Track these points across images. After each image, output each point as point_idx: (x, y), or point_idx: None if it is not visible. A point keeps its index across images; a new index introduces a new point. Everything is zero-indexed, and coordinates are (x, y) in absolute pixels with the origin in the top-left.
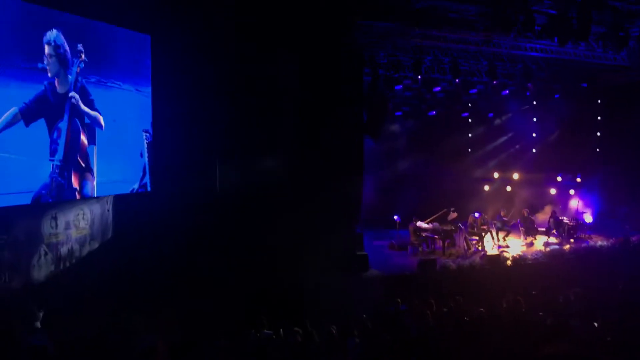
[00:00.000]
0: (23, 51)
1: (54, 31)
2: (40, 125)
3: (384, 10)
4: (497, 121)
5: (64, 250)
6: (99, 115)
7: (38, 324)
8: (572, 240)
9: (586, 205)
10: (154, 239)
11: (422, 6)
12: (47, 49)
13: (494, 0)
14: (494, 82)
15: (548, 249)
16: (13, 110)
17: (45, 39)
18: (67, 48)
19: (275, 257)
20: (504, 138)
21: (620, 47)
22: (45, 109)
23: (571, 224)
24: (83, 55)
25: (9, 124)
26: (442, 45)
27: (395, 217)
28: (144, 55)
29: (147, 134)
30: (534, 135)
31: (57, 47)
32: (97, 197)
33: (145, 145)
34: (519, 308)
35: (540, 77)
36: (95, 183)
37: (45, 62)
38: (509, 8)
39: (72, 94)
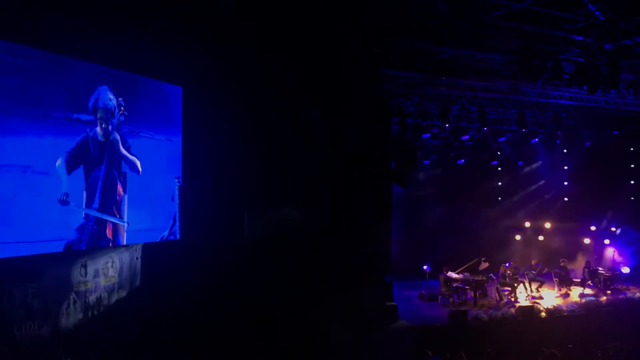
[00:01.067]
0: (71, 104)
1: (104, 87)
2: (78, 173)
3: (411, 60)
4: (527, 169)
5: (92, 298)
6: (136, 160)
7: None
8: (608, 291)
9: (622, 255)
10: (182, 288)
11: (448, 55)
12: (96, 103)
13: (521, 48)
14: (523, 130)
15: (584, 300)
16: (60, 161)
17: (95, 94)
18: (115, 102)
19: (303, 308)
20: (535, 186)
21: None
22: (85, 156)
23: (607, 274)
24: (123, 109)
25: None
26: (469, 94)
27: (425, 267)
28: (175, 105)
29: (179, 179)
30: (566, 183)
31: (104, 102)
32: (127, 246)
33: (177, 190)
34: None
35: (570, 125)
36: (125, 232)
37: (91, 115)
38: (536, 56)
39: (111, 143)
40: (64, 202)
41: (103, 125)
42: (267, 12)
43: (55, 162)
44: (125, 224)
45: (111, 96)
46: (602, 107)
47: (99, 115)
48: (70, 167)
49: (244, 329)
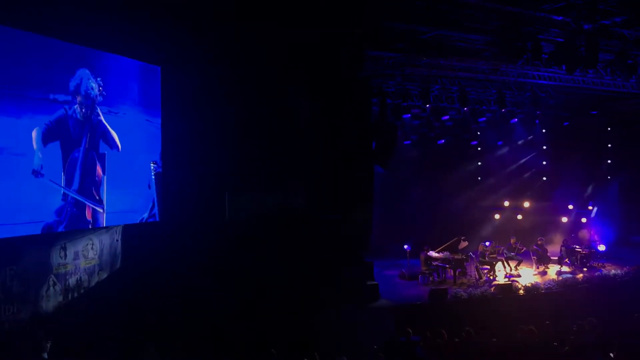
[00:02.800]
0: (49, 83)
1: (84, 69)
2: (55, 153)
3: (392, 41)
4: (507, 149)
5: (72, 280)
6: (116, 137)
7: (45, 355)
8: (585, 269)
9: (599, 233)
10: (162, 269)
11: (430, 36)
12: (76, 87)
13: (501, 29)
14: (503, 110)
15: (561, 277)
16: (36, 131)
17: (75, 78)
18: (94, 83)
19: (285, 287)
20: (514, 166)
21: (629, 74)
22: (63, 133)
23: (584, 252)
24: (101, 89)
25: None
26: (450, 74)
27: (406, 246)
28: (154, 86)
29: (155, 165)
30: (544, 163)
31: (86, 88)
32: (107, 227)
33: (153, 177)
34: (533, 338)
35: (549, 105)
36: (105, 213)
37: (69, 96)
38: (516, 37)
39: (90, 124)
40: (37, 174)
41: (82, 107)
42: None
43: (32, 143)
44: (104, 207)
45: (93, 83)
46: (580, 87)
47: (79, 99)
48: (46, 139)
49: (225, 310)
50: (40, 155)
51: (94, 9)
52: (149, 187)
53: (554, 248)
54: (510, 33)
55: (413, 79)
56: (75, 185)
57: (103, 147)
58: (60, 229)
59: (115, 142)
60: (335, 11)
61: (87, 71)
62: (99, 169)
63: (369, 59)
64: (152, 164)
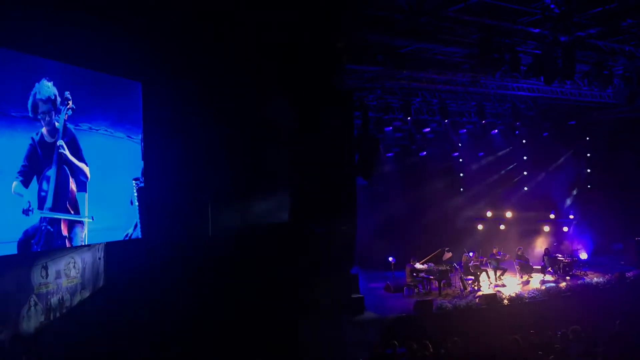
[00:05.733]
0: (12, 99)
1: (44, 81)
2: (32, 181)
3: (372, 54)
4: (488, 160)
5: (54, 300)
6: (85, 166)
7: None
8: (568, 277)
9: (580, 242)
10: (146, 286)
11: (409, 49)
12: (36, 97)
13: (479, 41)
14: (483, 121)
15: (544, 286)
16: (16, 183)
17: (35, 89)
18: (57, 97)
19: (269, 302)
20: (495, 177)
21: (606, 85)
22: (36, 163)
23: (566, 261)
24: (70, 103)
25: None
26: (430, 87)
27: (390, 259)
28: (135, 102)
29: (138, 181)
30: (525, 173)
31: (47, 96)
32: (88, 245)
33: (135, 193)
34: (518, 347)
35: (528, 116)
36: (86, 230)
37: (34, 110)
38: (494, 49)
39: (60, 142)
40: (28, 212)
41: (48, 124)
42: (227, 7)
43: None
44: (85, 220)
45: (53, 90)
46: (559, 98)
47: (39, 111)
48: (26, 183)
49: (210, 324)
50: (26, 196)
51: (67, 21)
52: (131, 203)
53: (537, 257)
54: (487, 45)
55: (394, 92)
56: (49, 203)
57: (79, 163)
58: (36, 248)
59: (82, 169)
60: (312, 25)
61: (43, 80)
62: (72, 184)
63: (348, 73)
64: (134, 181)
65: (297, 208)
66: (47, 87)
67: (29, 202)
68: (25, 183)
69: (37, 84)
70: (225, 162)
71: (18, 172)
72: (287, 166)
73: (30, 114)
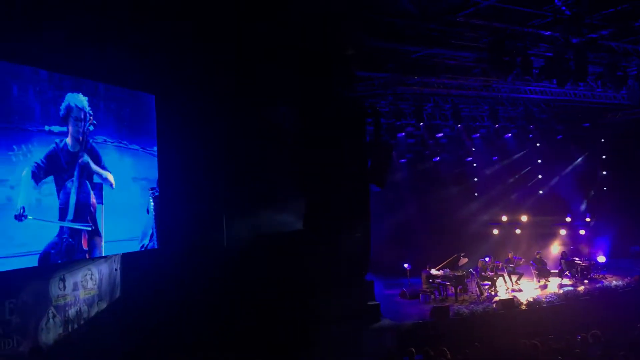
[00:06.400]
0: (41, 114)
1: (75, 94)
2: (49, 185)
3: (383, 61)
4: (502, 164)
5: (72, 312)
6: (109, 174)
7: None
8: (586, 281)
9: (597, 245)
10: (162, 297)
11: (420, 55)
12: (65, 112)
13: (490, 45)
14: (496, 125)
15: (562, 290)
16: (26, 171)
17: (65, 103)
18: (86, 111)
19: (285, 310)
20: (510, 181)
21: (620, 86)
22: (56, 167)
23: (584, 264)
24: (92, 118)
25: (27, 185)
26: (441, 92)
27: (406, 265)
28: (149, 114)
29: (154, 190)
30: (540, 176)
31: (77, 110)
32: (105, 257)
33: (152, 202)
34: (537, 352)
35: (542, 119)
36: (103, 242)
37: (61, 124)
38: (505, 53)
39: (82, 154)
40: (20, 217)
41: (73, 136)
42: (238, 20)
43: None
44: (102, 236)
45: (81, 106)
46: (572, 101)
47: (70, 126)
48: (37, 177)
49: (227, 334)
50: (24, 196)
51: (85, 38)
52: (148, 212)
53: (553, 261)
54: (499, 49)
55: (406, 98)
56: (70, 215)
57: (98, 177)
58: (57, 260)
59: (108, 180)
60: (322, 34)
61: (75, 96)
62: (93, 198)
63: (359, 80)
64: (150, 190)
65: (310, 217)
66: (75, 105)
67: (50, 210)
68: (36, 178)
69: (67, 97)
70: (239, 172)
71: (34, 164)
72: (299, 175)
73: (57, 129)
